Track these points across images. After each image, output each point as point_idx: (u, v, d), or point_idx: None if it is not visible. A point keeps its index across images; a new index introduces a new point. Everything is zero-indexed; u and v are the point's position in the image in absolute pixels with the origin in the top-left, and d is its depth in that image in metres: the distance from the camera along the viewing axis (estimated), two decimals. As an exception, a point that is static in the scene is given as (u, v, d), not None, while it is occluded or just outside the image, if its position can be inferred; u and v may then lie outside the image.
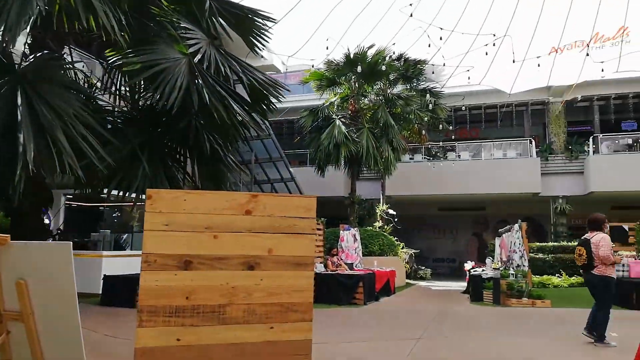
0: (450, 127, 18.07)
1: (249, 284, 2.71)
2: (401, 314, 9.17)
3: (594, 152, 18.21)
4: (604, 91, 18.25)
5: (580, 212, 19.06)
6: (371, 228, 16.51)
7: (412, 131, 17.81)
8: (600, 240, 6.27)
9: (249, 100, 4.57)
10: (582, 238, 6.64)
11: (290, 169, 17.99)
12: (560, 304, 10.29)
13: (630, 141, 18.27)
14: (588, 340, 6.28)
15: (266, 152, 17.29)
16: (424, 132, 16.93)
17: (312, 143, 16.54)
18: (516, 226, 11.60)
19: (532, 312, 9.38)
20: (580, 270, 6.70)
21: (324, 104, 16.75)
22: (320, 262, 11.19)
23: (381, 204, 18.47)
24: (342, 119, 15.98)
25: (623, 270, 10.23)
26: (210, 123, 4.24)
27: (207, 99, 3.84)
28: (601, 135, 18.43)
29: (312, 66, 11.92)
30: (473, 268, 13.75)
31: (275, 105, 4.92)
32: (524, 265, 11.13)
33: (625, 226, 10.86)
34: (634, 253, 10.55)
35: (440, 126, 16.54)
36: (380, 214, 18.02)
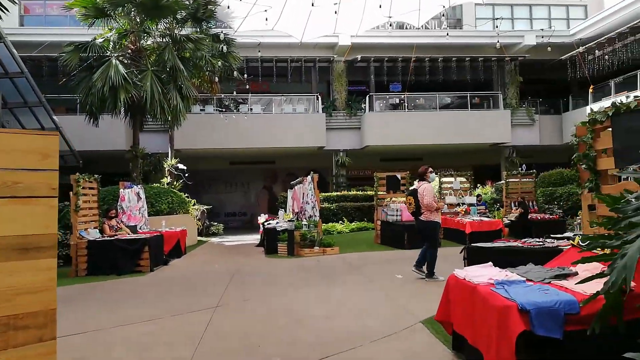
0: (245, 75, 17.39)
1: None
2: (194, 278, 8.31)
3: (369, 110, 20.07)
4: (379, 54, 20.06)
5: (357, 164, 21.10)
6: (158, 185, 14.90)
7: (204, 79, 16.48)
8: (424, 190, 6.97)
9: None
10: (411, 189, 7.37)
11: (54, 117, 14.76)
12: (346, 249, 10.98)
13: (397, 101, 20.73)
14: (408, 277, 6.88)
15: (19, 95, 13.89)
16: (216, 79, 15.74)
17: (81, 85, 13.69)
18: (309, 178, 11.80)
19: (325, 260, 9.69)
20: (412, 216, 7.40)
21: (95, 38, 13.88)
22: (95, 227, 9.38)
23: (170, 158, 16.93)
24: (121, 59, 13.57)
25: (396, 215, 11.37)
26: None
27: None
28: (375, 95, 20.37)
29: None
30: (267, 221, 13.70)
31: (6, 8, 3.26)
32: (315, 215, 11.47)
33: (398, 175, 12.09)
34: (404, 199, 11.85)
35: (235, 73, 15.68)
36: (168, 169, 16.50)
